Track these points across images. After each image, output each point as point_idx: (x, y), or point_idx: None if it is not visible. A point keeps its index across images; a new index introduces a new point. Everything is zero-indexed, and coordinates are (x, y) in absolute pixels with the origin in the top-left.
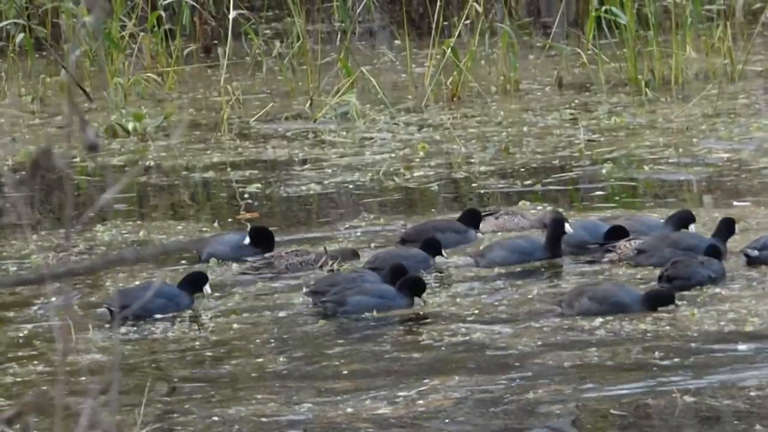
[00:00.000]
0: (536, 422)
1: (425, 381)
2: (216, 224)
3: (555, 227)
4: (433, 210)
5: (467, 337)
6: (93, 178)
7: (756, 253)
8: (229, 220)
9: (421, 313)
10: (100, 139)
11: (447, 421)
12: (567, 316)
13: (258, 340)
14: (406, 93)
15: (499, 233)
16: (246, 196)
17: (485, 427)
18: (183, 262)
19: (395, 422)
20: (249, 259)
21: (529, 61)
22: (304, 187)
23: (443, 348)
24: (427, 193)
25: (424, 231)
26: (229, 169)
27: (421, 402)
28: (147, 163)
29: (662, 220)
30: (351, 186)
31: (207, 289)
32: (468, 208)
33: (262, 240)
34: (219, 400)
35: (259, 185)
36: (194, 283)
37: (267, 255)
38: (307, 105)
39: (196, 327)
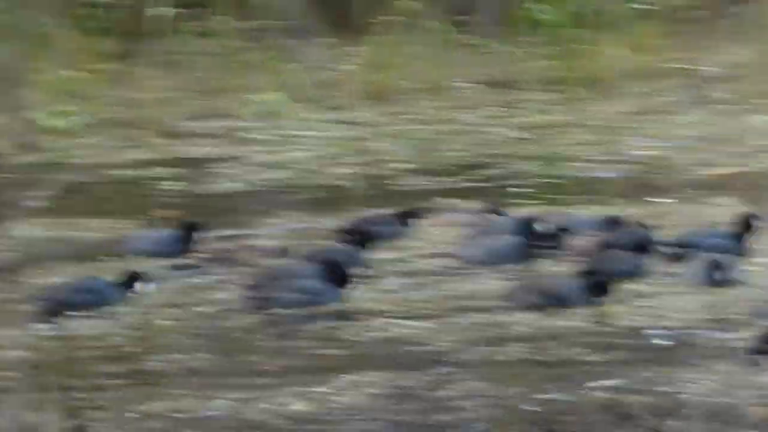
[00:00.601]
0: (449, 419)
1: (342, 377)
2: (137, 221)
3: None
4: (357, 207)
5: (387, 333)
6: (16, 176)
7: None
8: (149, 217)
9: (346, 308)
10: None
11: (360, 418)
12: (497, 312)
13: (180, 336)
14: (333, 90)
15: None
16: (166, 193)
17: (397, 424)
18: (103, 258)
19: (309, 419)
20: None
21: (458, 58)
22: (226, 185)
23: (363, 344)
24: (351, 191)
25: (361, 225)
26: (150, 167)
27: (336, 398)
28: (69, 161)
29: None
30: (274, 183)
31: (141, 286)
32: (411, 207)
33: (190, 235)
34: (134, 397)
35: (180, 183)
36: (129, 279)
37: (227, 248)
38: (234, 102)
39: (117, 322)
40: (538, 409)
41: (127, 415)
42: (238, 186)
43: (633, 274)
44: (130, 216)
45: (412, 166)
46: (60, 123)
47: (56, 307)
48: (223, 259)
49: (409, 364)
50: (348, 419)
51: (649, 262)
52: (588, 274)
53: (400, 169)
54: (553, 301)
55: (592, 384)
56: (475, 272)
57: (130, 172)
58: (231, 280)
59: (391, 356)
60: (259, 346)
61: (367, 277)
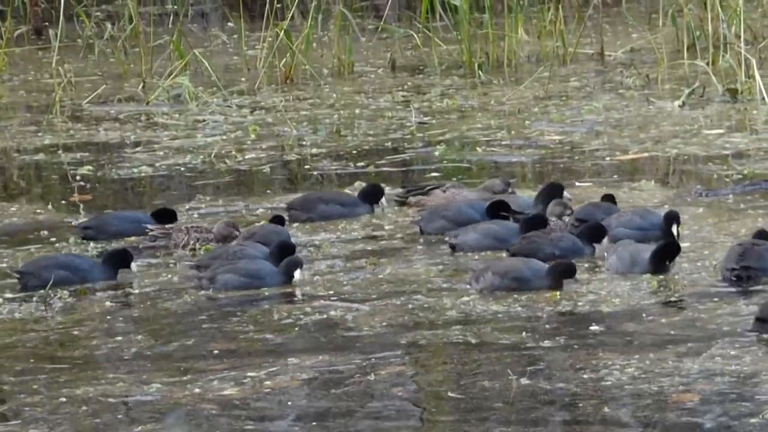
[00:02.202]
0: (376, 404)
1: (275, 361)
2: (54, 206)
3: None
4: (267, 192)
5: (324, 316)
6: None
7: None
8: (63, 202)
9: (287, 291)
10: None
11: (289, 402)
12: (433, 295)
13: (117, 319)
14: (239, 75)
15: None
16: (78, 178)
17: (325, 409)
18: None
19: (238, 404)
20: (149, 227)
21: (362, 43)
22: (136, 170)
23: (299, 327)
24: (260, 176)
25: (310, 201)
26: (60, 152)
27: (267, 383)
28: None
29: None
30: (183, 168)
31: (134, 267)
32: (370, 183)
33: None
34: (68, 380)
35: (90, 167)
36: (119, 258)
37: (168, 226)
38: (140, 87)
39: (44, 306)
40: (463, 395)
41: (58, 399)
42: (149, 170)
43: (557, 256)
44: (46, 200)
45: (321, 150)
46: None
47: (36, 282)
48: (162, 240)
49: (342, 348)
50: (277, 404)
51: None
52: (512, 255)
53: (310, 153)
54: (516, 283)
55: (523, 369)
56: (416, 254)
57: (39, 157)
58: (169, 262)
59: (326, 340)
60: (193, 329)
61: (310, 259)
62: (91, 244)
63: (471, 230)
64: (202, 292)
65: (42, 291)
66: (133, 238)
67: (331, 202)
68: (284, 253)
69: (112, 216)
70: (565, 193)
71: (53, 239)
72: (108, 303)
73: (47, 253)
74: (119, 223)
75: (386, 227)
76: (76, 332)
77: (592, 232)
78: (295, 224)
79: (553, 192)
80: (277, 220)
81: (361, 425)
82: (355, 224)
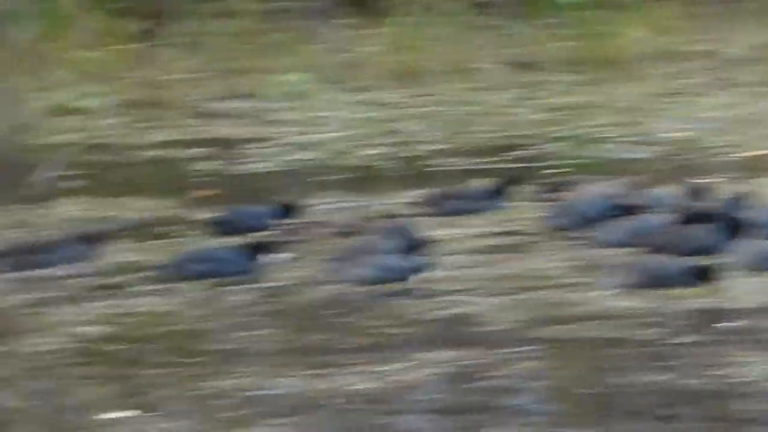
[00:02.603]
0: (508, 400)
1: (408, 356)
2: (175, 201)
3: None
4: (387, 188)
5: (457, 311)
6: (38, 156)
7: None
8: (184, 197)
9: (415, 286)
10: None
11: (421, 397)
12: (565, 290)
13: (251, 313)
14: (357, 71)
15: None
16: (199, 174)
17: (457, 404)
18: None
19: (371, 398)
20: (280, 221)
21: (481, 40)
22: (255, 166)
23: (432, 322)
24: (379, 172)
25: (439, 196)
26: (180, 148)
27: (398, 378)
28: (98, 142)
29: None
30: (302, 164)
31: (269, 257)
32: (500, 177)
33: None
34: (204, 373)
35: (211, 163)
36: (254, 249)
37: (299, 220)
38: (258, 84)
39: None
40: (599, 391)
41: (195, 392)
42: (269, 166)
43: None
44: (166, 195)
45: (441, 147)
46: (86, 104)
47: (178, 275)
48: (296, 235)
49: (472, 342)
50: (410, 399)
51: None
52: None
53: (429, 150)
54: (654, 282)
55: (656, 365)
56: (548, 249)
57: (160, 153)
58: (303, 257)
59: (456, 335)
60: (328, 323)
61: (436, 254)
62: (222, 238)
63: (609, 225)
64: (336, 285)
65: (184, 283)
66: (265, 232)
67: (461, 197)
68: (414, 247)
69: (242, 211)
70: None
71: (178, 234)
72: (244, 296)
73: (176, 247)
74: (249, 218)
75: (517, 221)
76: (213, 325)
77: (731, 227)
78: (425, 219)
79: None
80: (403, 216)
81: (494, 420)
82: (485, 219)
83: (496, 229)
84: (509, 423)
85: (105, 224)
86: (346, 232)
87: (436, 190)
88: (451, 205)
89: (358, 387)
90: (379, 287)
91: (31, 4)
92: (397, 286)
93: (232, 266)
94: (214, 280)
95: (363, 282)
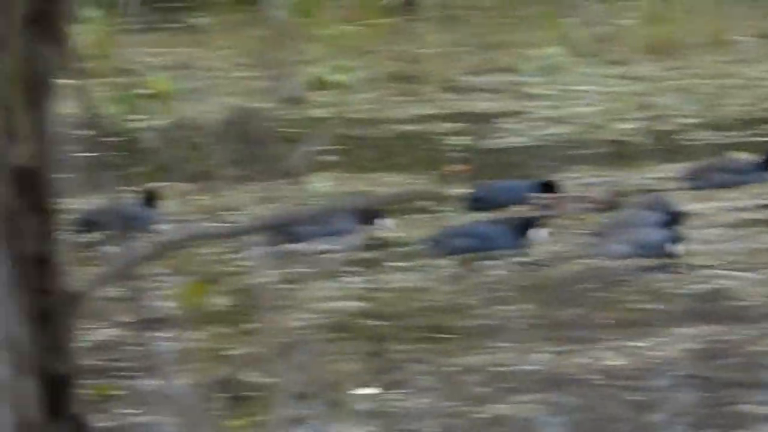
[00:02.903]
0: (762, 375)
1: (660, 331)
2: (427, 175)
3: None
4: (642, 162)
5: (710, 286)
6: (297, 130)
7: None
8: (438, 172)
9: (676, 260)
10: (302, 91)
11: (672, 373)
12: None
13: (507, 287)
14: (612, 45)
15: None
16: (453, 148)
17: (708, 380)
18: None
19: (623, 374)
20: (537, 195)
21: (738, 11)
22: (509, 140)
23: (685, 297)
24: (634, 146)
25: (701, 170)
26: (434, 122)
27: (651, 353)
28: (352, 116)
29: None
30: (556, 139)
31: (536, 233)
32: None
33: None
34: (457, 349)
35: (465, 138)
36: (523, 225)
37: (555, 195)
38: (513, 58)
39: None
40: None
41: (447, 368)
42: (522, 141)
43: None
44: (418, 170)
45: (696, 120)
46: (341, 78)
47: (449, 250)
48: (552, 211)
49: (729, 318)
50: (661, 375)
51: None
52: None
53: (685, 123)
54: None
55: None
56: None
57: (413, 127)
58: (559, 232)
59: (712, 310)
60: (583, 298)
61: (695, 227)
62: (480, 213)
63: None
64: (593, 260)
65: (445, 259)
66: (520, 208)
67: (723, 171)
68: (672, 221)
69: (499, 186)
70: None
71: (433, 209)
72: (500, 271)
73: (433, 222)
74: (507, 193)
75: None
76: (465, 301)
77: None
78: (682, 192)
79: None
80: (659, 190)
81: (746, 397)
82: (744, 193)
83: (756, 203)
84: (762, 399)
85: (361, 199)
86: (602, 207)
87: (697, 164)
88: (715, 177)
89: (610, 363)
90: (636, 261)
91: None
92: (654, 261)
93: (500, 242)
94: (473, 255)
95: (621, 256)
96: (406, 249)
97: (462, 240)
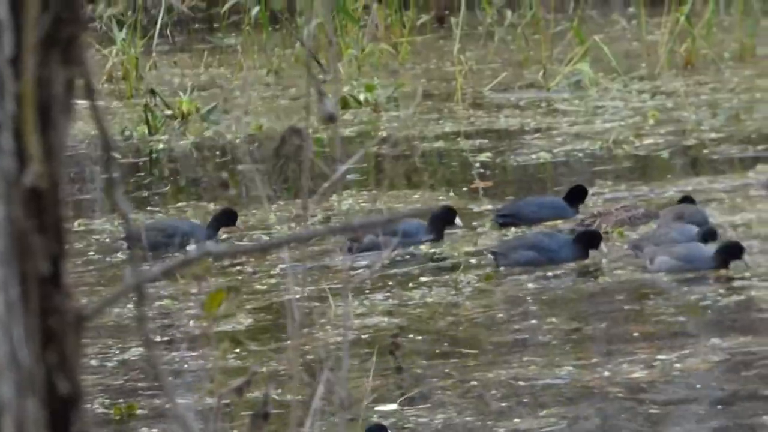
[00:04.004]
0: None
1: (689, 343)
2: (451, 193)
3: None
4: (667, 176)
5: (742, 297)
6: (327, 149)
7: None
8: (464, 188)
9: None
10: (337, 110)
11: (697, 386)
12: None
13: (534, 300)
14: (639, 61)
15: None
16: (478, 164)
17: (732, 393)
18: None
19: (645, 387)
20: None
21: (765, 26)
22: (535, 156)
23: (716, 309)
24: (659, 161)
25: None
26: (461, 138)
27: (677, 366)
28: (381, 134)
29: None
30: (582, 154)
31: (603, 247)
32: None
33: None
34: (479, 364)
35: (490, 154)
36: (585, 237)
37: (596, 212)
38: (540, 74)
39: (455, 291)
40: None
41: (468, 383)
42: (548, 156)
43: None
44: (447, 187)
45: (720, 134)
46: (368, 96)
47: (507, 262)
48: (628, 218)
49: (758, 330)
50: (685, 388)
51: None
52: None
53: (710, 138)
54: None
55: None
56: None
57: (440, 144)
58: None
59: (742, 321)
60: (613, 311)
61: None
62: (512, 229)
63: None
64: (628, 272)
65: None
66: (557, 222)
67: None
68: (708, 234)
69: (529, 201)
70: None
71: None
72: (526, 285)
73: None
74: (537, 209)
75: None
76: (488, 316)
77: None
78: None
79: None
80: (687, 200)
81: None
82: None
83: None
84: None
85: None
86: (633, 221)
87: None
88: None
89: (633, 376)
90: (672, 275)
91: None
92: (690, 274)
93: (563, 254)
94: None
95: (657, 269)
96: (431, 264)
97: (525, 252)
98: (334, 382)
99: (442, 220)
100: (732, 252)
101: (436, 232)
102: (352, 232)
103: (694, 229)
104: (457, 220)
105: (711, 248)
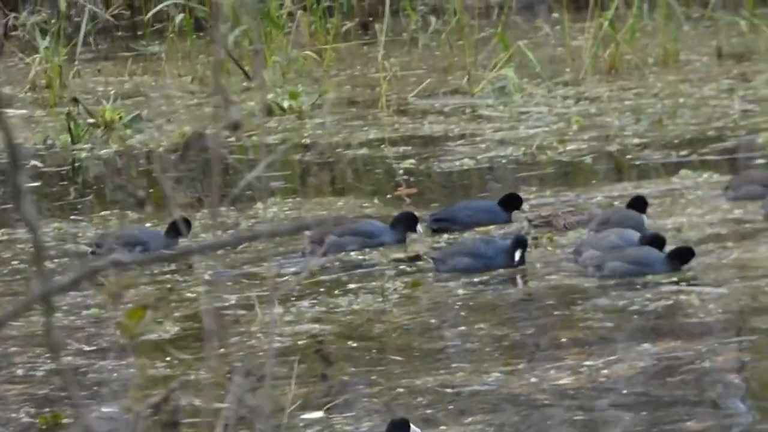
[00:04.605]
0: (709, 393)
1: (615, 349)
2: (375, 200)
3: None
4: (591, 182)
5: (669, 302)
6: (249, 157)
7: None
8: (388, 196)
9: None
10: (243, 118)
11: (623, 391)
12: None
13: (456, 307)
14: (563, 66)
15: None
16: (402, 171)
17: (657, 398)
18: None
19: (573, 393)
20: (528, 216)
21: (687, 31)
22: (459, 162)
23: (643, 314)
24: (582, 166)
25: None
26: (386, 146)
27: (604, 372)
28: (305, 141)
29: None
30: (505, 160)
31: (519, 253)
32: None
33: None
34: (406, 371)
35: (414, 161)
36: (518, 243)
37: (544, 214)
38: (464, 80)
39: (381, 298)
40: None
41: (395, 390)
42: (472, 163)
43: None
44: (370, 194)
45: (644, 140)
46: (292, 103)
47: (446, 268)
48: (576, 222)
49: (684, 335)
50: (611, 393)
51: None
52: None
53: (634, 143)
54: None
55: None
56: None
57: (365, 151)
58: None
59: (669, 326)
60: (540, 317)
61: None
62: (445, 235)
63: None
64: (558, 277)
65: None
66: (490, 227)
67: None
68: (660, 241)
69: (464, 206)
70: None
71: None
72: (456, 291)
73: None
74: (472, 213)
75: (735, 212)
76: (416, 322)
77: None
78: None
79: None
80: (639, 201)
81: (693, 414)
82: (706, 207)
83: (720, 218)
84: (707, 417)
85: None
86: (565, 227)
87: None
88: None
89: (560, 382)
90: (607, 280)
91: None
92: (624, 279)
93: (499, 260)
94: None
95: (609, 274)
96: (358, 272)
97: (463, 258)
98: (253, 389)
99: (405, 225)
100: (684, 255)
101: (398, 235)
102: (298, 231)
103: (636, 234)
104: (419, 228)
105: (660, 252)
